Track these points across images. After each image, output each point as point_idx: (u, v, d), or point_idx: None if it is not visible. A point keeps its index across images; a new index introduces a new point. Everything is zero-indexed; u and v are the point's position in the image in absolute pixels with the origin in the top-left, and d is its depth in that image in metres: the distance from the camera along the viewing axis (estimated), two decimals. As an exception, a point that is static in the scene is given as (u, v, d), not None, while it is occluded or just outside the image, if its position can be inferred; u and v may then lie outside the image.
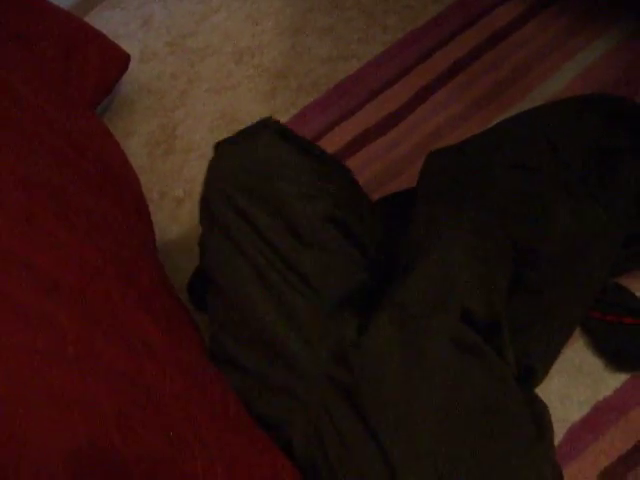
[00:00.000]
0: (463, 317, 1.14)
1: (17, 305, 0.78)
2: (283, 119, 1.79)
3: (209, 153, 1.80)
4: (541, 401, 1.18)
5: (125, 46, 1.98)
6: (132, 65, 1.99)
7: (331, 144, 1.71)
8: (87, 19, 2.24)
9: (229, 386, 1.05)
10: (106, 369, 0.78)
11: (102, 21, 2.23)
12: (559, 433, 1.27)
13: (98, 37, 1.85)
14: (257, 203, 1.17)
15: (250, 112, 1.85)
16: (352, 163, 1.66)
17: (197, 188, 1.75)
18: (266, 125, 1.31)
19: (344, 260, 1.18)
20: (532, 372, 1.24)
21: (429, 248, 1.21)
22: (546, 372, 1.29)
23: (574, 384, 1.33)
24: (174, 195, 1.77)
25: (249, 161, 1.24)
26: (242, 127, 1.81)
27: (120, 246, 1.13)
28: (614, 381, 1.31)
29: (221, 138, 1.81)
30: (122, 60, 1.91)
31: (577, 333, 1.36)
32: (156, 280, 1.14)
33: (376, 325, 1.11)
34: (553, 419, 1.24)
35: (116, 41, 1.97)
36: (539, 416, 1.12)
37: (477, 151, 1.45)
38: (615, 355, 1.33)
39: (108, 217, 1.17)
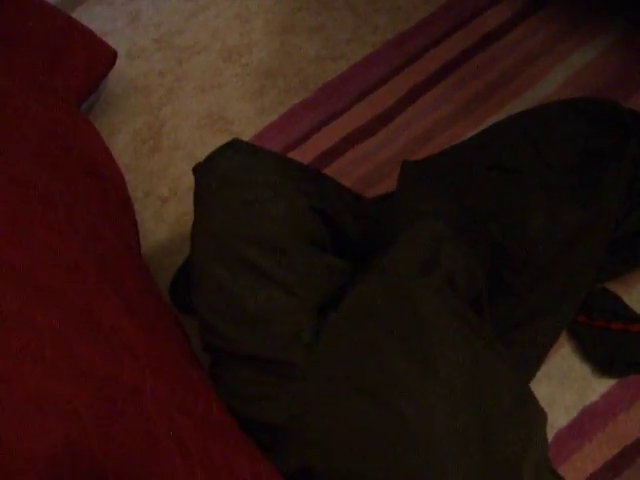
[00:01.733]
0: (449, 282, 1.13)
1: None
2: (271, 118, 1.78)
3: (195, 151, 1.81)
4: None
5: (112, 43, 1.96)
6: (119, 62, 1.97)
7: (319, 144, 1.70)
8: (75, 15, 2.21)
9: (214, 390, 1.03)
10: (85, 372, 0.76)
11: (90, 17, 2.20)
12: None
13: (85, 33, 1.83)
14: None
15: (238, 111, 1.84)
16: (340, 164, 1.65)
17: (182, 187, 1.74)
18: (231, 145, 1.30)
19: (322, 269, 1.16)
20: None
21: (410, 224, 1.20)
22: (530, 377, 1.29)
23: (561, 389, 1.32)
24: (159, 194, 1.75)
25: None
26: (229, 125, 1.82)
27: (104, 246, 1.11)
28: (601, 386, 1.31)
29: (208, 136, 1.82)
30: (109, 57, 1.88)
31: (564, 338, 1.35)
32: (140, 281, 1.12)
33: (358, 289, 1.09)
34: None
35: (103, 37, 1.94)
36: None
37: (458, 153, 1.44)
38: (602, 360, 1.33)
39: (92, 216, 1.15)
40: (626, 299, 1.36)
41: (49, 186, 1.08)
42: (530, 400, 1.11)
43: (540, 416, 1.12)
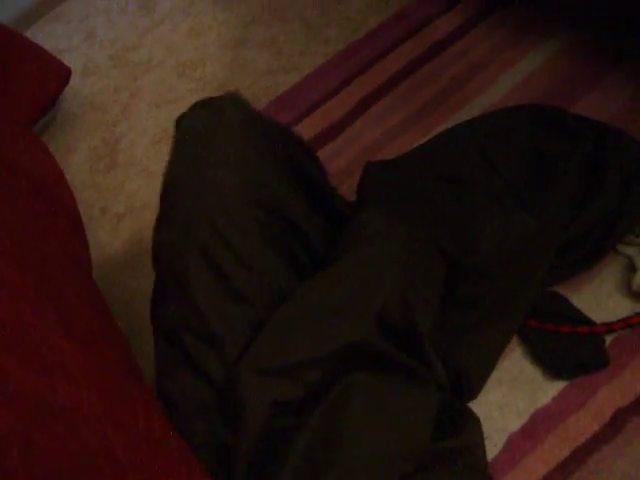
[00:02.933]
0: (379, 318, 1.13)
1: None
2: (225, 132, 1.79)
3: (151, 167, 1.81)
4: (471, 413, 1.19)
5: (68, 60, 1.97)
6: (75, 79, 1.98)
7: (272, 157, 1.71)
8: (29, 32, 2.22)
9: (159, 408, 1.04)
10: (13, 392, 0.76)
11: (45, 35, 2.21)
12: (499, 443, 1.27)
13: (36, 51, 1.83)
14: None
15: (192, 126, 1.84)
16: (293, 175, 1.66)
17: (138, 203, 1.75)
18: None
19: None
20: (466, 381, 1.25)
21: (353, 248, 1.21)
22: (482, 382, 1.30)
23: (512, 393, 1.33)
24: (115, 211, 1.76)
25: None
26: (184, 141, 1.81)
27: (47, 265, 1.11)
28: (552, 389, 1.32)
29: (163, 152, 1.81)
30: (62, 75, 1.89)
31: (515, 343, 1.37)
32: (85, 299, 1.12)
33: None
34: (493, 429, 1.26)
35: (59, 55, 1.95)
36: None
37: (411, 163, 1.45)
38: (553, 363, 1.34)
39: (35, 236, 1.15)
40: (574, 301, 1.37)
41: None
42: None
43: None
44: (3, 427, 0.70)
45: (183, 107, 1.87)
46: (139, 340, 1.52)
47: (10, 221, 1.13)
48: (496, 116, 1.51)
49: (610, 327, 1.33)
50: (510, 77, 1.69)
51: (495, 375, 1.33)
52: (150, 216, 1.69)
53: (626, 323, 1.33)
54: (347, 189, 1.50)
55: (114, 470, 0.77)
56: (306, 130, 1.73)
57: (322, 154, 1.67)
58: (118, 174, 1.82)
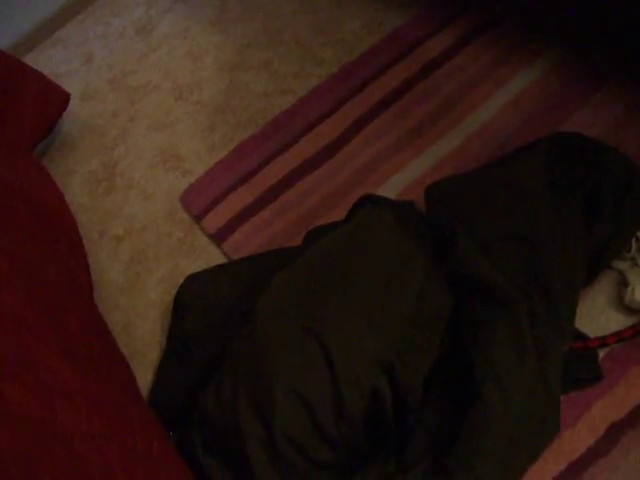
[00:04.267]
0: None
1: None
2: (221, 154, 1.81)
3: (149, 189, 1.83)
4: None
5: (67, 84, 2.00)
6: (74, 103, 2.01)
7: (268, 178, 1.73)
8: (29, 57, 2.25)
9: (159, 429, 1.05)
10: (14, 416, 0.78)
11: (44, 60, 2.24)
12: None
13: (35, 77, 1.85)
14: None
15: (189, 148, 1.87)
16: (289, 196, 1.69)
17: (136, 226, 1.77)
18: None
19: None
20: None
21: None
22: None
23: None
24: (114, 233, 1.78)
25: None
26: (181, 163, 1.85)
27: (48, 290, 1.13)
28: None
29: (161, 174, 1.84)
30: (61, 99, 1.91)
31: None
32: (85, 322, 1.15)
33: None
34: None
35: (58, 80, 1.98)
36: None
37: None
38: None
39: (36, 260, 1.18)
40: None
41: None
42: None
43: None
44: (3, 448, 0.72)
45: (180, 130, 1.92)
46: (139, 361, 1.55)
47: (11, 245, 1.15)
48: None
49: (603, 341, 1.34)
50: (502, 95, 1.71)
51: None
52: (149, 238, 1.73)
53: (619, 337, 1.34)
54: (342, 209, 1.52)
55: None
56: (302, 151, 1.75)
57: (317, 174, 1.70)
58: (117, 197, 1.85)
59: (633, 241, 1.39)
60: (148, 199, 1.80)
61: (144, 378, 1.48)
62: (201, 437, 1.19)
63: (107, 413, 0.92)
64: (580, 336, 1.36)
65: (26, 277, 1.10)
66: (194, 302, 1.50)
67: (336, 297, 1.27)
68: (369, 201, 1.46)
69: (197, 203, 1.75)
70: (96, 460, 0.80)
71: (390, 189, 1.63)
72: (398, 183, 1.64)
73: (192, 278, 1.55)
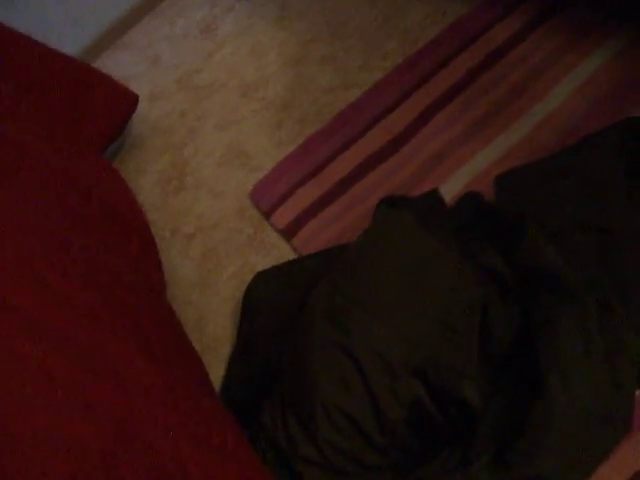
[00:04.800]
0: None
1: (3, 350, 0.82)
2: (289, 150, 1.83)
3: (218, 187, 1.86)
4: None
5: (135, 86, 2.03)
6: (142, 104, 2.04)
7: (336, 172, 1.74)
8: (98, 61, 2.30)
9: (232, 422, 1.07)
10: (95, 410, 0.80)
11: (113, 63, 2.29)
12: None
13: (104, 80, 1.90)
14: None
15: (257, 145, 1.89)
16: (356, 190, 1.69)
17: (207, 223, 1.80)
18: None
19: None
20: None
21: None
22: None
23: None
24: (185, 232, 1.81)
25: None
26: (249, 160, 1.87)
27: (123, 290, 1.16)
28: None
29: (229, 172, 1.87)
30: (130, 101, 1.95)
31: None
32: (159, 320, 1.17)
33: None
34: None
35: (126, 82, 2.02)
36: None
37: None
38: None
39: (110, 261, 1.21)
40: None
41: (67, 235, 1.14)
42: None
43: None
44: (85, 442, 0.74)
45: (247, 127, 1.94)
46: (211, 356, 1.57)
47: (86, 248, 1.18)
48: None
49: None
50: (568, 83, 1.67)
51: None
52: (219, 235, 1.75)
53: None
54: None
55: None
56: (368, 145, 1.76)
57: (384, 168, 1.70)
58: (187, 196, 1.88)
59: None
60: (217, 197, 1.83)
61: (217, 373, 1.51)
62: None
63: (184, 407, 0.95)
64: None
65: (103, 279, 1.13)
66: (262, 303, 1.52)
67: (363, 310, 1.29)
68: (386, 204, 1.46)
69: (266, 199, 1.77)
70: (172, 454, 0.83)
71: (457, 181, 1.62)
72: (465, 175, 1.63)
73: (261, 274, 1.57)
